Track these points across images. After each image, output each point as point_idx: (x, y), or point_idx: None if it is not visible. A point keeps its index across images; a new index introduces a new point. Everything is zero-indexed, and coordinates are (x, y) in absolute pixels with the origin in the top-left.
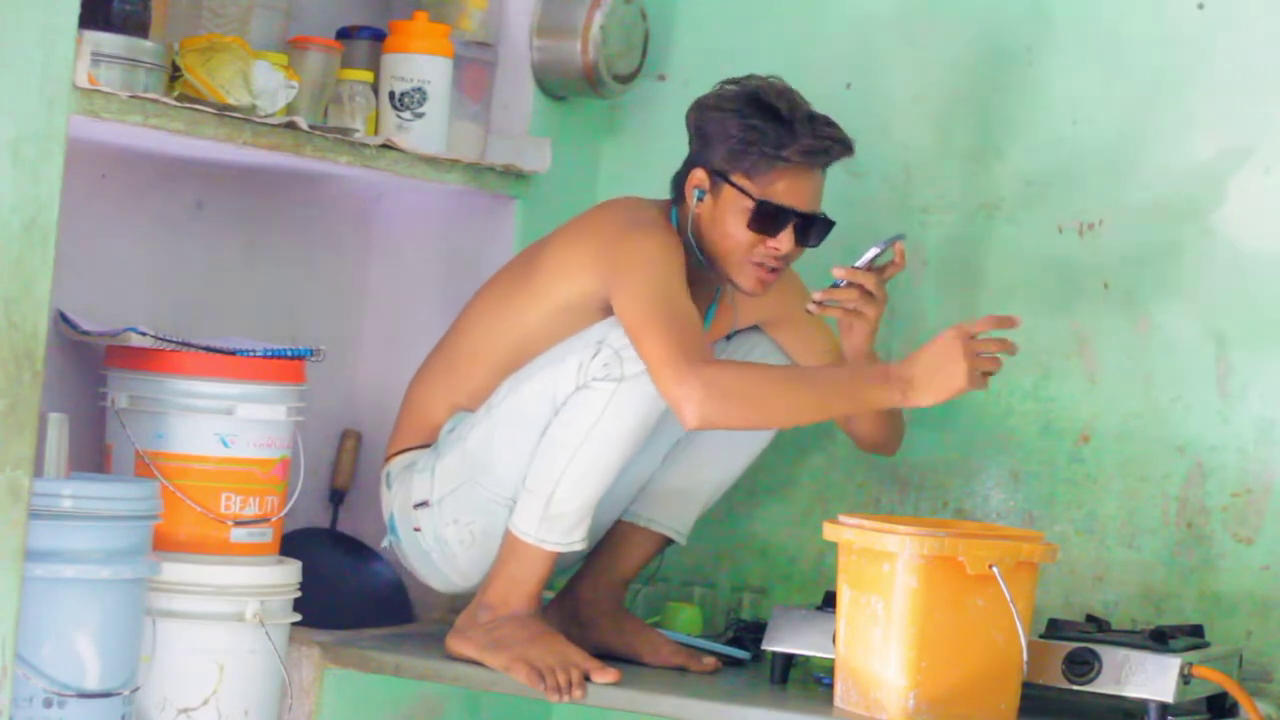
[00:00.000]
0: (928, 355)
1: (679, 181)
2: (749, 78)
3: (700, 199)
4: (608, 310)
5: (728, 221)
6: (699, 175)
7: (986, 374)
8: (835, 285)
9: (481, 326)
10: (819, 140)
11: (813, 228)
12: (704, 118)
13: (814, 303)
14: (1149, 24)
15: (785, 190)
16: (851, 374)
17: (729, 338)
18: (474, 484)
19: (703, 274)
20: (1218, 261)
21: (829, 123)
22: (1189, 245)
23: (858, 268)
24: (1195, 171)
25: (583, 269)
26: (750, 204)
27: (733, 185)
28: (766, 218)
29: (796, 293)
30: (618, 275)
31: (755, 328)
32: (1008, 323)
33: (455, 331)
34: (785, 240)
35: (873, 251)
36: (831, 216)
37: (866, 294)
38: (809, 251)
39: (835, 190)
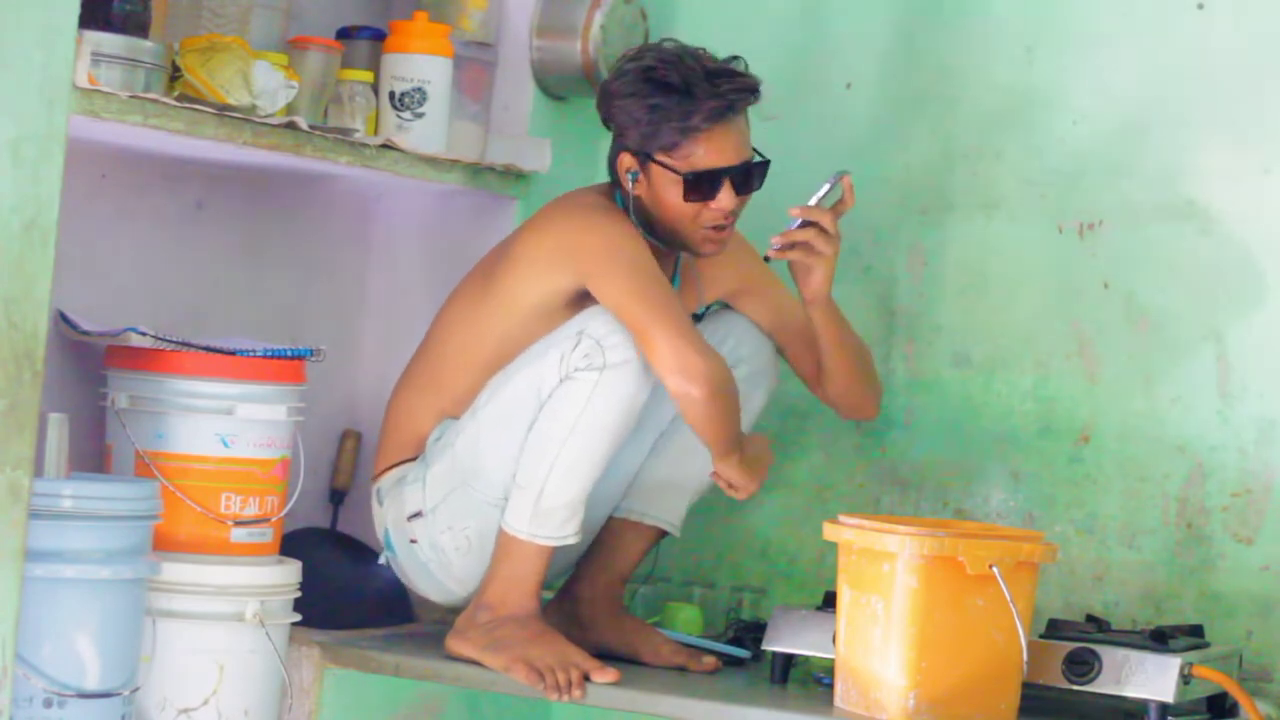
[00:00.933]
0: (755, 447)
1: (611, 165)
2: (641, 51)
3: (635, 180)
4: (580, 304)
5: (665, 197)
6: (626, 159)
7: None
8: (798, 225)
9: (458, 333)
10: (722, 99)
11: (750, 175)
12: (609, 107)
13: (773, 248)
14: (1149, 24)
15: (707, 154)
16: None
17: (699, 317)
18: (465, 488)
19: (659, 251)
20: (1218, 261)
21: (730, 72)
22: (1189, 245)
23: (811, 206)
24: (1195, 171)
25: (549, 266)
26: (678, 178)
27: (657, 163)
28: (699, 186)
29: (754, 260)
30: (596, 267)
31: (726, 306)
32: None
33: (431, 341)
34: (726, 198)
35: (823, 188)
36: (765, 155)
37: (822, 232)
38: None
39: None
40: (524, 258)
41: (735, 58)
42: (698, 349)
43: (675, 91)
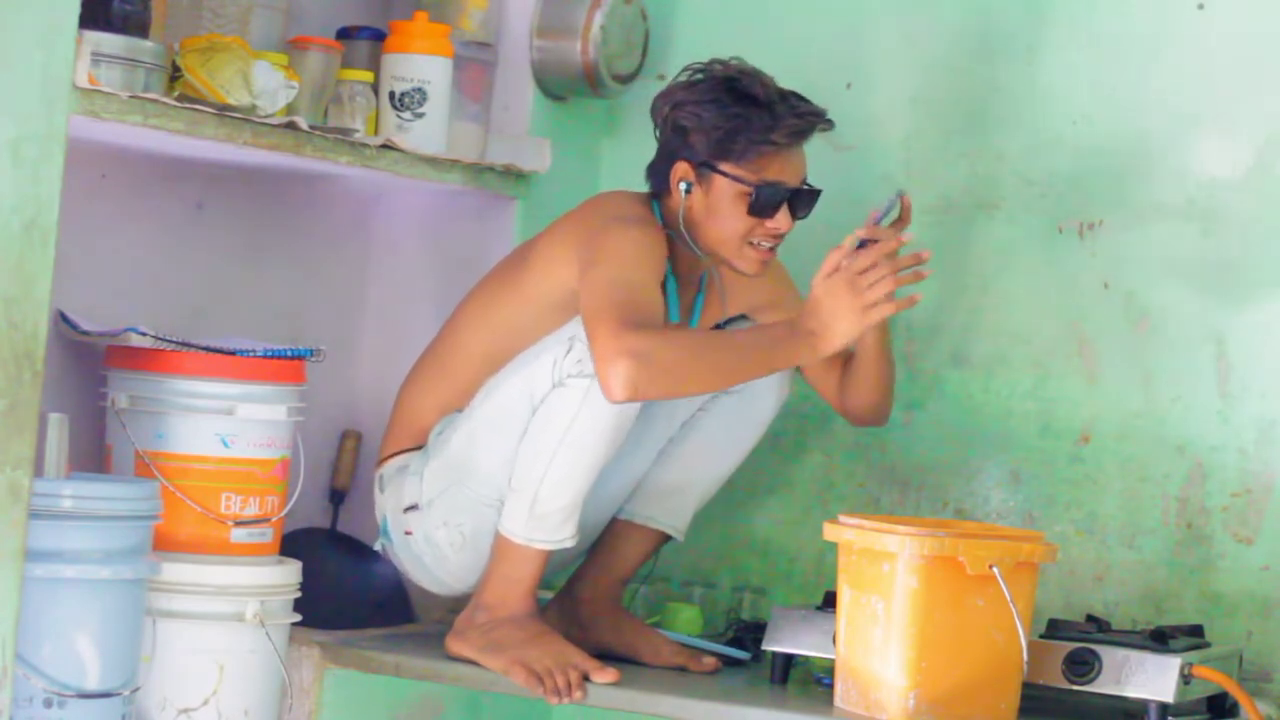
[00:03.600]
0: (816, 301)
1: (658, 175)
2: (710, 65)
3: (688, 191)
4: None
5: (723, 209)
6: (683, 169)
7: (876, 305)
8: (861, 245)
9: (472, 328)
10: (802, 119)
11: (804, 200)
12: (679, 112)
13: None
14: (1149, 24)
15: (778, 171)
16: (766, 336)
17: (720, 328)
18: (460, 486)
19: (689, 265)
20: (1218, 261)
21: (801, 98)
22: (1189, 245)
23: (876, 225)
24: (1195, 171)
25: (565, 264)
26: (746, 189)
27: (723, 175)
28: (765, 201)
29: (781, 277)
30: (585, 268)
31: (744, 317)
32: (889, 246)
33: (446, 333)
34: (784, 219)
35: (884, 207)
36: (817, 185)
37: (891, 252)
38: (799, 232)
39: (834, 190)
40: (543, 255)
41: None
42: (613, 352)
43: (759, 104)
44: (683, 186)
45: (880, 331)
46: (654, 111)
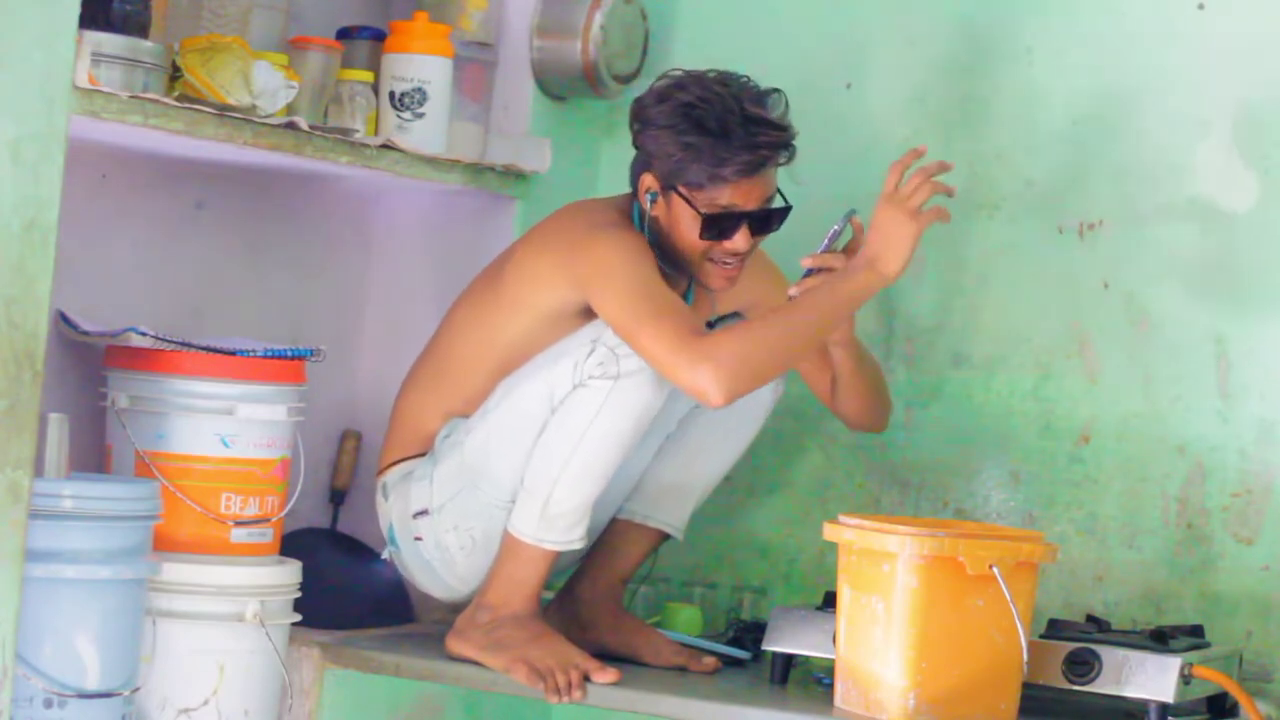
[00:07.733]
0: (875, 231)
1: (633, 179)
2: (683, 80)
3: (654, 201)
4: (589, 314)
5: (681, 227)
6: (648, 180)
7: (923, 212)
8: (808, 274)
9: (468, 333)
10: (756, 153)
11: (768, 220)
12: (642, 133)
13: (790, 298)
14: (1149, 24)
15: (731, 197)
16: (829, 285)
17: (711, 325)
18: (473, 489)
19: (672, 268)
20: (1218, 261)
21: (768, 122)
22: (1189, 245)
23: (823, 252)
24: (1195, 171)
25: (553, 278)
26: (697, 214)
27: (680, 195)
28: (717, 226)
29: (771, 275)
30: (593, 282)
31: (737, 314)
32: (929, 163)
33: (441, 339)
34: (741, 241)
35: (833, 231)
36: (788, 200)
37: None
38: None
39: (835, 192)
40: (527, 269)
41: (775, 91)
42: (688, 361)
43: (711, 134)
44: (649, 196)
45: (852, 351)
46: (629, 119)
